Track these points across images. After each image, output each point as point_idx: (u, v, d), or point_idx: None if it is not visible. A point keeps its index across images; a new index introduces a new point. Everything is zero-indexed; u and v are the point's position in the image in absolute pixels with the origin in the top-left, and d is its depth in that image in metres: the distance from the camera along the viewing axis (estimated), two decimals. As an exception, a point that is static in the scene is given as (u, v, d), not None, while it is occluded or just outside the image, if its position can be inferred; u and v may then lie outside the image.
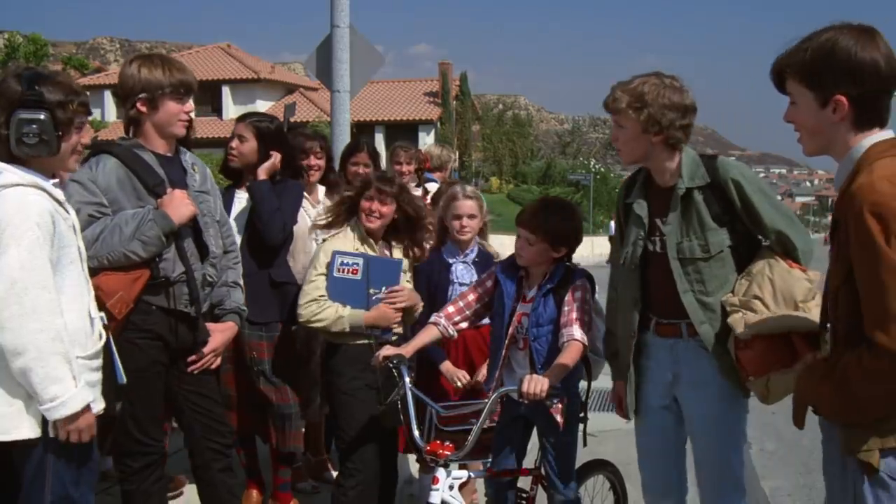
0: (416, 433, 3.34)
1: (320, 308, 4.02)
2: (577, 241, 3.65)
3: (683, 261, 3.22)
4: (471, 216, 4.37)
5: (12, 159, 2.82)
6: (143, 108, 3.52)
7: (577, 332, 3.40)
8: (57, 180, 2.98)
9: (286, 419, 4.47)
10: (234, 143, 4.50)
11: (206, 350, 3.67)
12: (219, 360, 3.78)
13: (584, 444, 3.72)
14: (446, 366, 4.35)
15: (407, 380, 3.39)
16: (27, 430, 2.79)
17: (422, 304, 4.27)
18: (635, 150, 3.23)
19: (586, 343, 3.43)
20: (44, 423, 2.81)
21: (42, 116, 2.78)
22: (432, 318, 3.74)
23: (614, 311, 3.53)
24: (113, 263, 3.37)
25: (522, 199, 40.98)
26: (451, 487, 3.30)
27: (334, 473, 5.17)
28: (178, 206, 3.48)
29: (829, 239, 2.48)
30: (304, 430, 4.61)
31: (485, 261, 4.39)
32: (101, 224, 3.39)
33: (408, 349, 3.56)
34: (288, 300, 4.45)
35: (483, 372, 4.25)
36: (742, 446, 3.35)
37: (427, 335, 3.69)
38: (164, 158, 3.62)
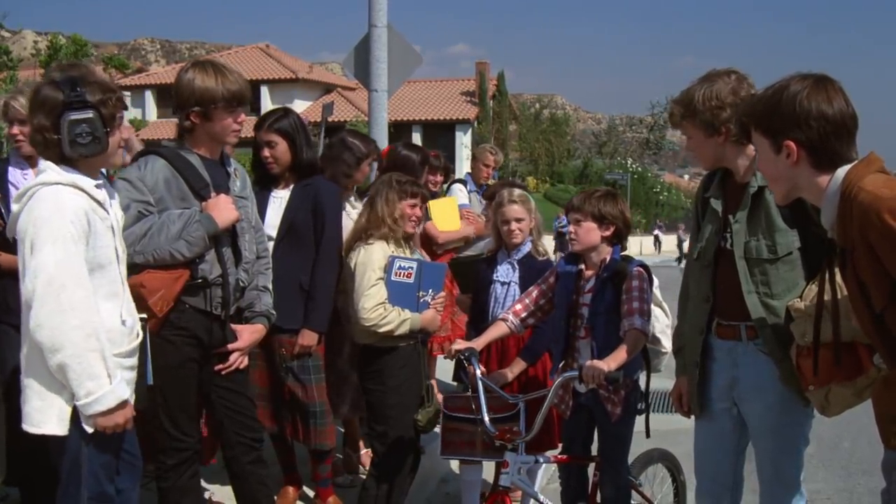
0: (487, 419, 3.42)
1: (387, 312, 4.07)
2: (625, 223, 3.78)
3: (750, 261, 3.16)
4: (518, 219, 4.40)
5: (62, 161, 2.87)
6: (197, 120, 3.57)
7: (637, 321, 3.50)
8: (101, 181, 3.02)
9: (310, 417, 4.51)
10: (267, 152, 4.48)
11: (232, 348, 3.71)
12: (246, 360, 3.81)
13: (648, 436, 3.81)
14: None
15: (478, 370, 3.54)
16: (54, 425, 2.82)
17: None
18: (707, 154, 3.25)
19: (647, 332, 3.50)
20: (73, 419, 2.84)
21: (91, 115, 2.85)
22: (501, 315, 3.91)
23: (685, 306, 3.49)
24: (157, 261, 3.42)
25: (560, 199, 40.74)
26: (519, 471, 3.42)
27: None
28: (223, 209, 3.54)
29: (832, 273, 2.56)
30: (332, 427, 4.62)
31: (529, 261, 4.44)
32: (149, 221, 3.45)
33: (478, 343, 3.74)
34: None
35: (514, 369, 4.35)
36: (802, 451, 3.26)
37: (496, 331, 3.87)
38: (209, 162, 3.67)
